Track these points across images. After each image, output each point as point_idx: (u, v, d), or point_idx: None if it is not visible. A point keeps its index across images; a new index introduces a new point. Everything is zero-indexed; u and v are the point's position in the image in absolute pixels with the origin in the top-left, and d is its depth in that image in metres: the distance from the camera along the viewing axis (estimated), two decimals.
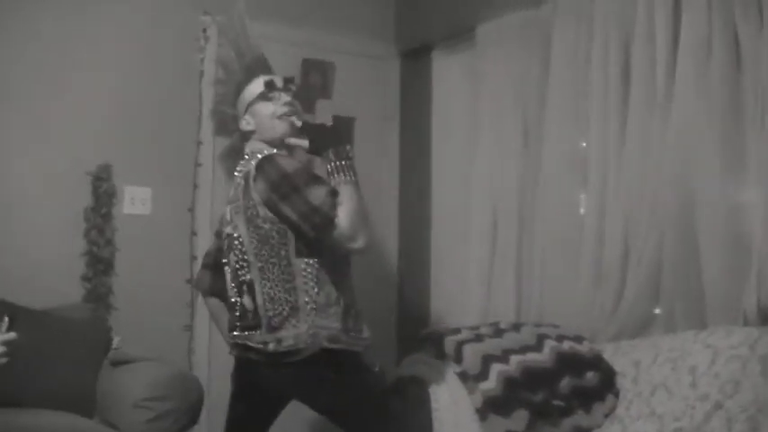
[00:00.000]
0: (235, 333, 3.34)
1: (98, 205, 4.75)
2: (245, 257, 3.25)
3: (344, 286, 3.26)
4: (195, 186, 5.05)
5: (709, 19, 3.89)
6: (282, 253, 3.20)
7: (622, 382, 3.90)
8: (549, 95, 4.69)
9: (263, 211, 3.18)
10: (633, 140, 4.23)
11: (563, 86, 4.61)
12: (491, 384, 3.76)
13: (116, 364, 4.27)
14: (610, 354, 4.05)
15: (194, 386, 4.12)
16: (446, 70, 5.56)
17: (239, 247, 3.27)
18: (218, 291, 3.57)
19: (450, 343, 3.93)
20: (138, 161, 4.90)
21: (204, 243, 4.94)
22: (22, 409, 3.88)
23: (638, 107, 4.22)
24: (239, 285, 3.30)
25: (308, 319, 3.16)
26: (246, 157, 3.35)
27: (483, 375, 3.79)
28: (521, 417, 3.71)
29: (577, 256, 4.46)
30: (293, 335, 3.15)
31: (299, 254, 3.19)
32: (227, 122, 3.65)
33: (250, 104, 3.47)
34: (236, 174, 3.36)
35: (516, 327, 4.17)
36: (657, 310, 4.11)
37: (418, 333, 4.38)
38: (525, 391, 3.77)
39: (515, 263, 4.80)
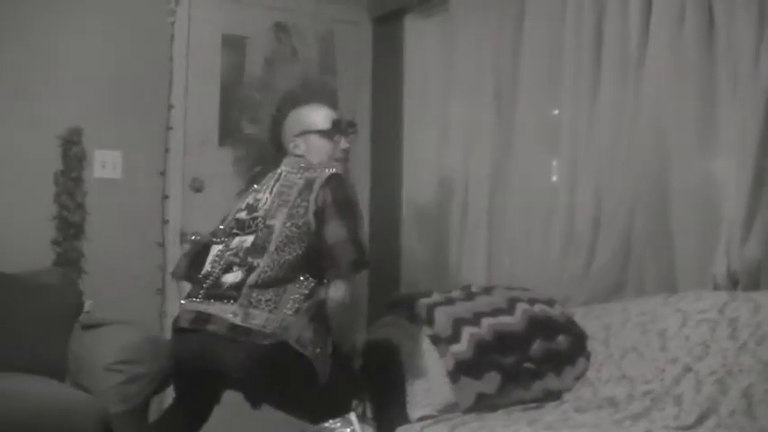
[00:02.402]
0: (195, 299, 3.34)
1: (68, 169, 4.72)
2: (266, 245, 3.30)
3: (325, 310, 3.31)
4: (166, 150, 5.02)
5: None
6: (297, 258, 3.26)
7: (593, 346, 3.92)
8: (523, 61, 4.69)
9: (310, 216, 3.28)
10: (606, 107, 4.24)
11: (537, 52, 4.61)
12: (462, 347, 3.77)
13: (87, 327, 4.25)
14: (581, 317, 4.08)
15: (166, 350, 4.09)
16: (419, 35, 5.51)
17: (265, 233, 3.33)
18: (193, 278, 3.58)
19: (421, 306, 3.94)
20: (109, 124, 4.86)
21: (176, 206, 4.97)
22: None
23: (611, 74, 4.22)
24: (231, 264, 3.33)
25: (285, 314, 3.18)
26: (302, 165, 3.49)
27: (454, 338, 3.80)
28: (492, 379, 3.73)
29: (549, 221, 4.48)
30: (266, 318, 3.17)
31: (307, 267, 3.27)
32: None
33: (306, 132, 3.56)
34: (285, 171, 3.50)
35: (488, 290, 4.18)
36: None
37: (389, 296, 4.38)
38: (496, 354, 3.79)
39: (487, 227, 4.81)
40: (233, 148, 5.18)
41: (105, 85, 4.85)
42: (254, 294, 3.21)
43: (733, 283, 3.67)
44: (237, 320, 3.17)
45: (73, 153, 4.73)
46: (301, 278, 3.26)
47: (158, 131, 5.01)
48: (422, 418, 3.64)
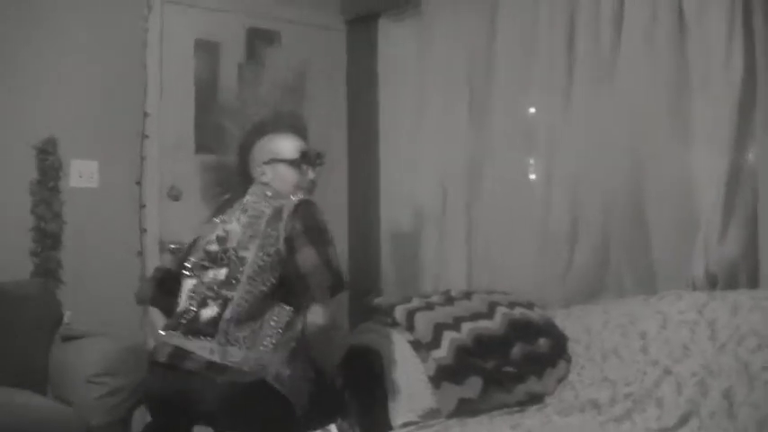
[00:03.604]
0: (172, 333, 3.27)
1: (44, 179, 4.67)
2: (238, 276, 3.24)
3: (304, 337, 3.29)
4: (142, 158, 4.99)
5: None
6: (271, 287, 3.22)
7: (574, 348, 3.94)
8: (497, 62, 4.70)
9: (281, 244, 3.23)
10: (580, 107, 4.27)
11: (510, 53, 4.63)
12: (443, 353, 3.78)
13: (67, 339, 4.24)
14: (561, 320, 4.10)
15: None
16: (393, 38, 5.49)
17: (237, 264, 3.27)
18: (157, 302, 3.54)
19: (401, 311, 3.95)
20: (84, 134, 4.81)
21: (153, 215, 4.94)
22: None
23: (585, 73, 4.25)
24: (206, 298, 3.27)
25: (263, 351, 3.15)
26: (268, 193, 3.43)
27: (435, 344, 3.81)
28: (474, 384, 3.74)
29: (527, 223, 4.49)
30: (243, 355, 3.12)
31: (282, 296, 3.23)
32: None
33: (274, 161, 3.52)
34: (252, 201, 3.43)
35: (467, 295, 4.19)
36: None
37: (369, 302, 4.38)
38: (477, 358, 3.80)
39: (465, 230, 4.81)
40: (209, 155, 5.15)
41: (80, 95, 4.81)
42: (231, 330, 3.16)
43: (711, 283, 3.70)
44: (215, 358, 3.13)
45: (49, 163, 4.69)
46: (277, 308, 3.22)
47: (134, 140, 4.97)
48: (404, 425, 3.65)
